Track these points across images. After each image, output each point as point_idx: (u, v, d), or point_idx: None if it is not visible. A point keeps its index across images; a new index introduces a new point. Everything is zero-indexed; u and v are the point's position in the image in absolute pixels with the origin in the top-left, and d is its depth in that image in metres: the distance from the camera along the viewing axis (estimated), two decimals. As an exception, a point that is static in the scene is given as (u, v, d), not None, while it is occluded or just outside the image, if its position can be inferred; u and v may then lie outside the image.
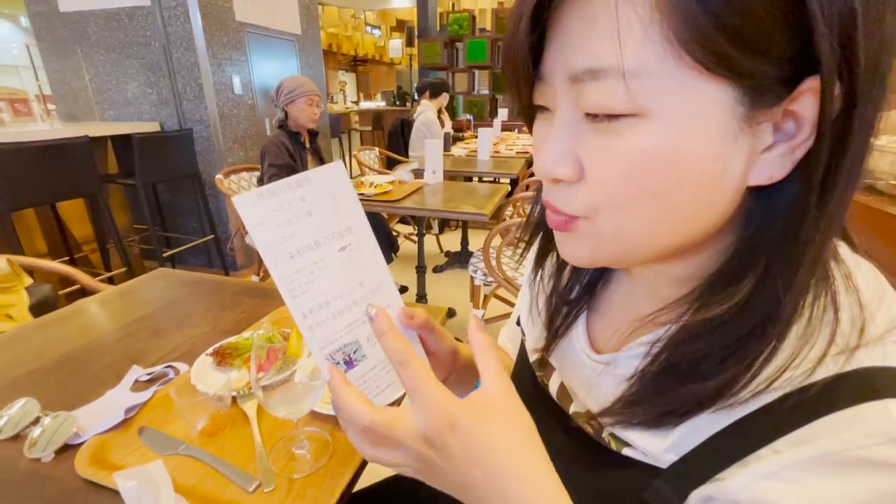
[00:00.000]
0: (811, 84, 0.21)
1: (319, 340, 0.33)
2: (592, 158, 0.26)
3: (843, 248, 0.28)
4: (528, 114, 0.30)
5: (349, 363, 0.34)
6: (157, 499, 0.43)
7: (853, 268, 0.26)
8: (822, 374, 0.24)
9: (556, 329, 0.40)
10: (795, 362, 0.24)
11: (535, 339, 0.44)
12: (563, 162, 0.26)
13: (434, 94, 3.43)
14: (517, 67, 0.26)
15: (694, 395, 0.27)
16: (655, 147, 0.23)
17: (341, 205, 0.33)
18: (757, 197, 0.25)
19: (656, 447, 0.29)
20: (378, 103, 8.26)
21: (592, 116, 0.25)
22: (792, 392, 0.24)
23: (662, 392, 0.28)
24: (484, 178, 3.18)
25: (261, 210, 0.30)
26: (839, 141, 0.22)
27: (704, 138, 0.23)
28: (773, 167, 0.24)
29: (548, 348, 0.41)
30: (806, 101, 0.22)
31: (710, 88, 0.22)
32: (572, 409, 0.37)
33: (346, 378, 0.32)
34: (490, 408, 0.28)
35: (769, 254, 0.25)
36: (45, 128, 2.37)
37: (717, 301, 0.26)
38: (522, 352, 0.47)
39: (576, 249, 0.30)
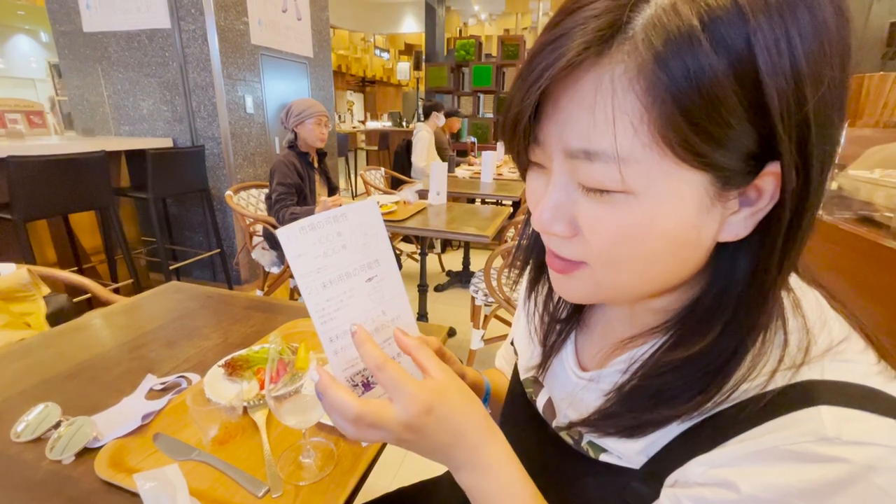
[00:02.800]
0: (773, 169, 0.25)
1: (342, 363, 0.36)
2: (586, 221, 0.29)
3: (792, 278, 0.32)
4: (523, 166, 0.34)
5: (367, 385, 0.38)
6: (173, 500, 0.46)
7: (801, 296, 0.30)
8: (772, 387, 0.28)
9: (550, 346, 0.44)
10: (752, 375, 0.28)
11: (528, 357, 0.47)
12: (559, 221, 0.30)
13: (426, 116, 3.53)
14: (518, 138, 0.29)
15: (663, 416, 0.31)
16: (642, 219, 0.27)
17: (372, 239, 0.36)
18: (725, 250, 0.29)
19: (630, 450, 0.33)
20: (384, 123, 8.43)
21: (587, 188, 0.28)
22: (746, 401, 0.28)
23: (635, 409, 0.32)
24: (487, 200, 3.24)
25: (301, 242, 0.33)
26: (795, 206, 0.26)
27: (683, 212, 0.27)
28: (738, 227, 0.28)
29: (542, 365, 0.45)
30: (768, 180, 0.26)
31: (688, 175, 0.26)
32: (555, 423, 0.41)
33: (332, 377, 0.35)
34: (446, 389, 0.35)
35: (735, 298, 0.29)
36: (61, 141, 2.44)
37: (687, 342, 0.30)
38: (515, 371, 0.50)
39: (573, 290, 0.34)
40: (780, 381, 0.28)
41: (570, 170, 0.28)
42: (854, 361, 0.28)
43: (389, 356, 0.36)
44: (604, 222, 0.28)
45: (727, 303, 0.29)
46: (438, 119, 3.55)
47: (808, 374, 0.27)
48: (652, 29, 0.23)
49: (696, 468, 0.29)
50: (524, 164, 0.33)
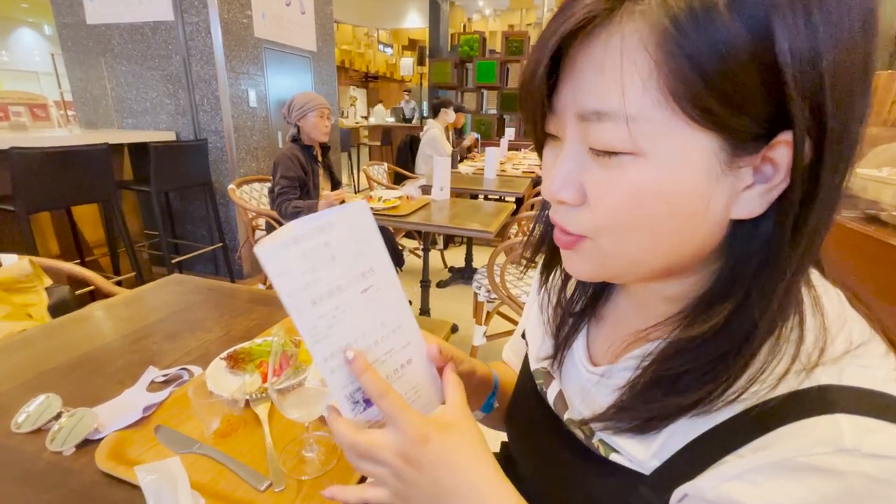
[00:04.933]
0: (786, 137, 0.25)
1: (340, 381, 0.33)
2: (594, 187, 0.29)
3: (814, 275, 0.31)
4: (539, 140, 0.34)
5: (368, 402, 0.34)
6: (174, 493, 0.46)
7: (821, 293, 0.29)
8: (784, 388, 0.26)
9: (562, 339, 0.43)
10: (763, 375, 0.27)
11: (539, 349, 0.47)
12: (568, 187, 0.30)
13: (435, 113, 3.51)
14: (534, 105, 0.29)
15: (675, 405, 0.29)
16: (649, 182, 0.27)
17: (364, 247, 0.32)
18: (740, 228, 0.28)
19: (641, 454, 0.32)
20: (387, 119, 8.42)
21: (596, 151, 0.28)
22: (757, 404, 0.27)
23: (648, 401, 0.31)
24: (490, 196, 3.23)
25: (284, 258, 0.29)
26: (810, 186, 0.25)
27: (691, 177, 0.26)
28: (752, 204, 0.27)
29: (554, 357, 0.44)
30: (781, 151, 0.25)
31: (698, 136, 0.25)
32: (566, 416, 0.40)
33: (337, 411, 0.35)
34: (451, 425, 0.33)
35: (749, 280, 0.28)
36: (64, 133, 2.44)
37: (699, 321, 0.29)
38: (526, 362, 0.49)
39: (580, 265, 0.33)
40: (794, 382, 0.26)
41: (581, 135, 0.28)
42: (874, 366, 0.26)
43: (393, 367, 0.35)
44: (610, 187, 0.28)
45: (739, 284, 0.28)
46: (448, 115, 3.54)
47: (825, 377, 0.26)
48: None
49: (707, 482, 0.27)
50: (540, 138, 0.33)
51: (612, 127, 0.26)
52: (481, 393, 0.50)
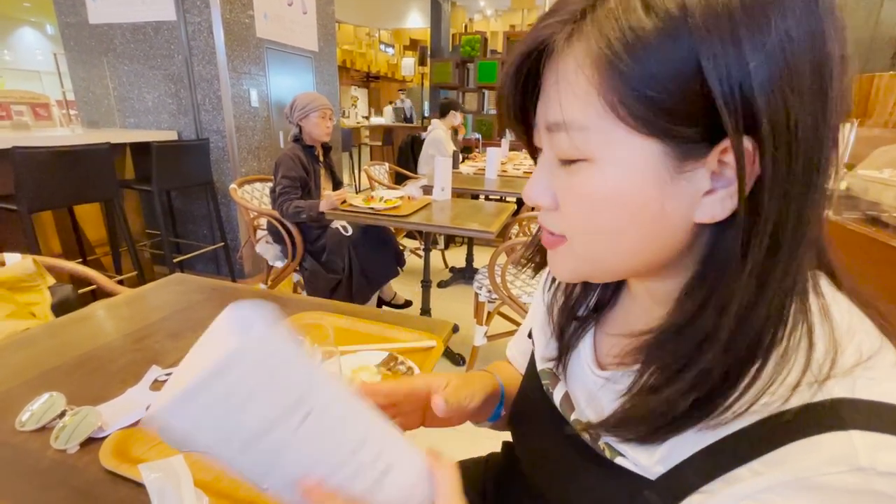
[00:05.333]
0: (728, 143, 0.25)
1: None
2: (561, 192, 0.32)
3: (823, 282, 0.30)
4: (533, 153, 0.36)
5: None
6: (178, 491, 0.46)
7: (831, 301, 0.29)
8: (797, 400, 0.26)
9: (566, 342, 0.44)
10: (773, 387, 0.26)
11: (545, 350, 0.47)
12: (543, 194, 0.33)
13: (443, 114, 3.51)
14: (505, 118, 0.34)
15: (673, 405, 0.29)
16: (602, 187, 0.29)
17: (284, 374, 0.26)
18: (708, 233, 0.29)
19: (646, 460, 0.32)
20: (388, 119, 8.42)
21: (561, 160, 0.31)
22: (769, 417, 0.27)
23: (651, 408, 0.31)
24: (491, 197, 3.23)
25: (186, 416, 0.24)
26: (759, 196, 0.26)
27: (640, 181, 0.28)
28: (714, 209, 0.28)
29: (559, 359, 0.44)
30: (731, 156, 0.26)
31: (641, 143, 0.27)
32: (573, 417, 0.40)
33: None
34: None
35: (710, 284, 0.28)
36: (66, 133, 2.45)
37: (675, 314, 0.30)
38: (532, 362, 0.50)
39: (559, 266, 0.36)
40: (805, 395, 0.26)
41: (550, 144, 0.31)
42: (886, 378, 0.26)
43: (368, 483, 0.30)
44: (571, 192, 0.31)
45: (702, 284, 0.29)
46: (455, 118, 3.53)
47: (837, 390, 0.26)
48: (604, 14, 0.26)
49: (720, 501, 0.27)
50: (530, 147, 0.36)
51: (565, 136, 0.29)
52: (489, 406, 0.51)
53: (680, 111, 0.25)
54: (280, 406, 0.26)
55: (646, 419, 0.31)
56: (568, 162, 0.30)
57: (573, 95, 0.28)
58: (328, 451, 0.29)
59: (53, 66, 6.33)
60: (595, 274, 0.35)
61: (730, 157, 0.26)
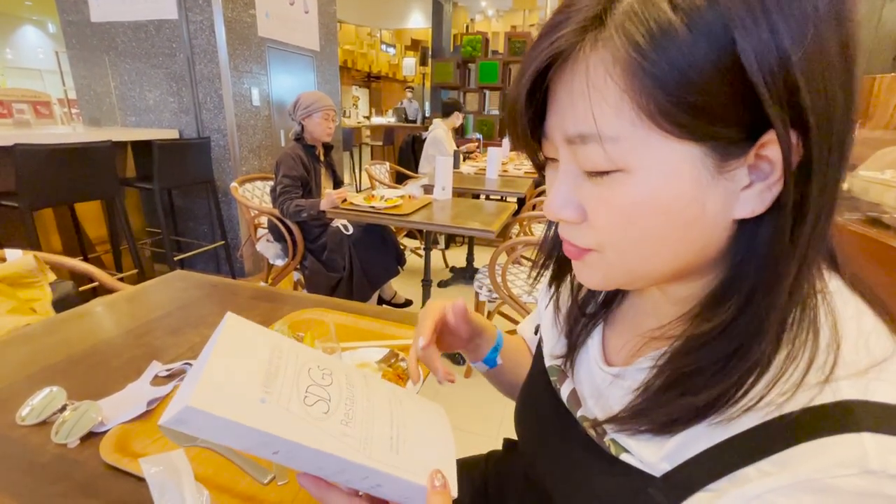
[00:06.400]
0: (771, 136, 0.25)
1: None
2: (591, 205, 0.30)
3: (834, 281, 0.30)
4: (538, 165, 0.35)
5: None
6: (179, 485, 0.46)
7: (842, 303, 0.29)
8: (804, 398, 0.26)
9: (574, 339, 0.44)
10: (781, 382, 0.26)
11: (554, 347, 0.47)
12: (567, 207, 0.32)
13: (446, 114, 3.50)
14: (521, 133, 0.32)
15: (688, 406, 0.29)
16: (640, 196, 0.28)
17: (235, 429, 0.28)
18: (744, 228, 0.29)
19: (652, 456, 0.32)
20: (389, 119, 8.41)
21: (588, 171, 0.29)
22: (779, 416, 0.26)
23: (663, 404, 0.31)
24: (491, 197, 3.23)
25: (184, 429, 0.28)
26: (803, 181, 0.25)
27: (680, 187, 0.27)
28: (753, 203, 0.27)
29: (567, 357, 0.44)
30: (773, 149, 0.25)
31: (679, 148, 0.26)
32: (579, 413, 0.40)
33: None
34: None
35: (753, 279, 0.28)
36: (67, 131, 2.45)
37: (707, 319, 0.29)
38: (539, 358, 0.50)
39: (588, 276, 0.34)
40: (814, 392, 0.26)
41: (572, 156, 0.30)
42: None
43: (364, 488, 0.34)
44: (606, 204, 0.29)
45: (744, 282, 0.28)
46: (457, 119, 3.53)
47: (850, 391, 0.25)
48: (624, 15, 0.25)
49: (727, 501, 0.27)
50: (539, 162, 0.35)
51: (596, 148, 0.28)
52: (487, 344, 0.54)
53: (719, 111, 0.24)
54: (247, 444, 0.29)
55: (657, 414, 0.31)
56: (598, 174, 0.29)
57: (605, 105, 0.26)
58: (313, 469, 0.32)
59: (55, 65, 6.34)
60: (630, 282, 0.34)
61: (769, 150, 0.25)
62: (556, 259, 0.44)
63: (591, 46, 0.26)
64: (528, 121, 0.31)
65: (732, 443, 0.28)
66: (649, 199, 0.28)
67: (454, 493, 0.34)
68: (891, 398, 0.25)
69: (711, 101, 0.24)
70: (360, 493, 0.36)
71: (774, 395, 0.26)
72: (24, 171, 1.77)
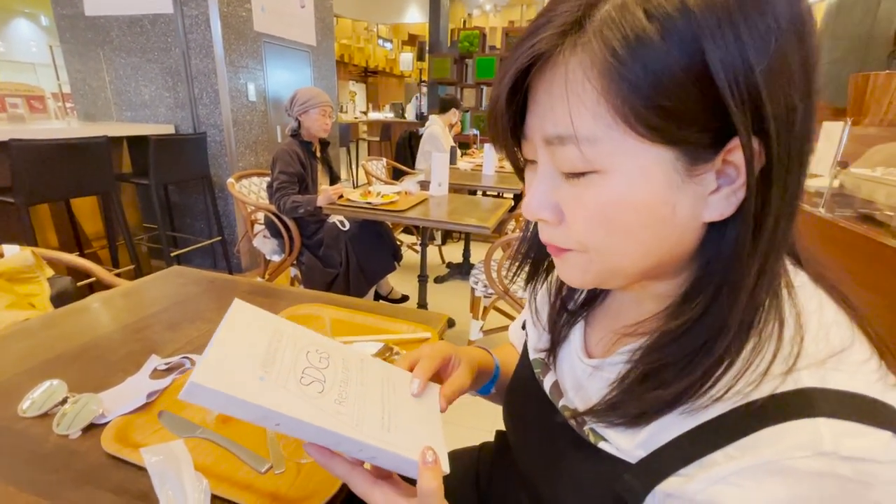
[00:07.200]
0: (737, 143, 0.26)
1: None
2: (569, 206, 0.32)
3: (800, 277, 0.32)
4: (518, 167, 0.37)
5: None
6: (178, 473, 0.47)
7: (801, 294, 0.30)
8: (768, 388, 0.28)
9: (557, 334, 0.46)
10: (747, 373, 0.28)
11: (537, 341, 0.49)
12: (545, 208, 0.33)
13: (443, 110, 3.50)
14: (502, 133, 0.33)
15: (658, 399, 0.31)
16: (614, 197, 0.29)
17: (237, 404, 0.32)
18: (713, 231, 0.30)
19: (628, 444, 0.34)
20: (386, 114, 8.37)
21: (566, 172, 0.31)
22: (743, 405, 0.28)
23: (636, 397, 0.33)
24: (488, 193, 3.24)
25: (197, 402, 0.32)
26: (765, 188, 0.27)
27: (653, 189, 0.28)
28: (721, 206, 0.29)
29: (550, 350, 0.46)
30: (738, 154, 0.27)
31: (652, 152, 0.27)
32: (561, 404, 0.42)
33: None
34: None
35: (719, 278, 0.29)
36: (62, 126, 2.44)
37: (677, 317, 0.31)
38: (525, 352, 0.52)
39: (569, 273, 0.36)
40: (777, 382, 0.27)
41: (550, 157, 0.31)
42: (856, 371, 0.27)
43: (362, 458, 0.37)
44: (582, 204, 0.31)
45: (711, 280, 0.30)
46: (455, 115, 3.52)
47: (809, 380, 0.27)
48: (602, 22, 0.26)
49: (696, 484, 0.28)
50: (519, 164, 0.36)
51: (573, 150, 0.29)
52: (481, 381, 0.54)
53: (690, 116, 0.26)
54: (251, 416, 0.33)
55: (634, 405, 0.33)
56: (575, 175, 0.30)
57: (583, 108, 0.27)
58: (314, 440, 0.35)
59: (49, 59, 6.28)
60: (608, 280, 0.35)
61: (735, 156, 0.27)
62: (532, 260, 0.46)
63: (571, 50, 0.27)
64: (509, 121, 0.32)
65: (702, 430, 0.30)
66: (623, 199, 0.29)
67: (446, 470, 0.36)
68: (846, 386, 0.27)
69: (682, 107, 0.26)
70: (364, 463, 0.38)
71: (742, 385, 0.28)
72: (20, 166, 1.77)
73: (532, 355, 0.49)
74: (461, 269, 2.98)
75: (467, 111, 5.61)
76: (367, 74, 11.08)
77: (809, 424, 0.26)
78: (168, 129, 2.63)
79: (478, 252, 3.05)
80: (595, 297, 0.45)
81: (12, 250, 1.05)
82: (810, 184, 1.90)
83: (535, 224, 0.42)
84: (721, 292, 0.29)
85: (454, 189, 2.38)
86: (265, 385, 0.34)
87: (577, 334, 0.44)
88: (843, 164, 1.92)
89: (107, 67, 2.69)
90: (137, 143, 2.53)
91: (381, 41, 10.83)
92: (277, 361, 0.36)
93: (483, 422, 1.21)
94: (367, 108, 10.43)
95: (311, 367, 0.38)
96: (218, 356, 0.34)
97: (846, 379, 0.27)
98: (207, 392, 0.31)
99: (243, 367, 0.34)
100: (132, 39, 2.59)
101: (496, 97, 0.31)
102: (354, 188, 3.18)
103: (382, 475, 0.38)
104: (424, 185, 2.30)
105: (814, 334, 0.29)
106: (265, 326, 0.39)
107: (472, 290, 1.83)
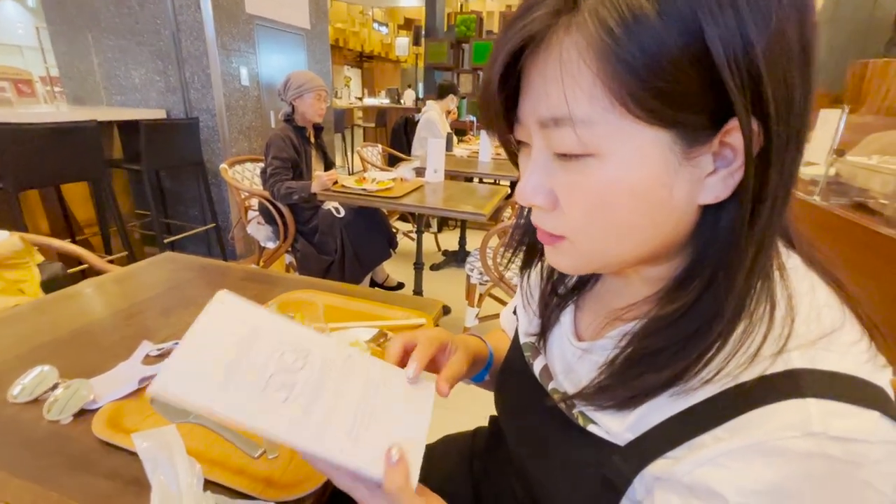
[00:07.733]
0: (735, 124, 0.26)
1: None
2: (563, 191, 0.31)
3: (793, 259, 0.32)
4: (511, 151, 0.36)
5: None
6: (171, 459, 0.47)
7: (798, 279, 0.30)
8: (758, 369, 0.27)
9: (547, 318, 0.45)
10: (737, 355, 0.28)
11: (528, 326, 0.48)
12: (539, 194, 0.32)
13: (440, 96, 3.46)
14: (495, 117, 0.32)
15: (649, 383, 0.31)
16: (610, 180, 0.29)
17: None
18: (708, 213, 0.30)
19: (617, 427, 0.34)
20: (382, 100, 8.28)
21: (561, 155, 0.30)
22: (732, 386, 0.28)
23: (626, 380, 0.32)
24: (484, 179, 3.22)
25: (168, 400, 0.34)
26: (763, 167, 0.27)
27: (650, 172, 0.28)
28: (717, 189, 0.28)
29: (541, 335, 0.46)
30: (735, 136, 0.26)
31: (649, 134, 0.27)
32: (550, 387, 0.42)
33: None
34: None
35: (715, 262, 0.29)
36: (51, 110, 2.39)
37: (672, 301, 0.31)
38: (516, 337, 0.52)
39: (560, 261, 0.35)
40: (767, 364, 0.27)
41: (545, 141, 0.30)
42: (846, 352, 0.27)
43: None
44: (577, 189, 0.30)
45: (707, 265, 0.29)
46: (452, 102, 3.48)
47: (798, 361, 0.27)
48: (598, 1, 0.25)
49: (684, 466, 0.28)
50: (512, 149, 0.35)
51: (568, 132, 0.28)
52: (475, 369, 0.54)
53: (687, 98, 0.25)
54: (216, 419, 0.34)
55: (620, 389, 0.33)
56: (569, 157, 0.29)
57: (578, 90, 0.27)
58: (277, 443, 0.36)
59: (35, 41, 6.13)
60: (600, 266, 0.35)
61: (732, 137, 0.26)
62: (526, 246, 0.45)
63: (565, 30, 0.27)
64: (502, 105, 0.31)
65: (691, 412, 0.30)
66: (619, 182, 0.28)
67: (414, 481, 0.36)
68: (836, 366, 0.27)
69: (680, 88, 0.25)
70: None
71: (732, 367, 0.28)
72: (8, 151, 1.73)
73: (523, 339, 0.49)
74: (457, 257, 2.98)
75: (464, 97, 5.55)
76: (362, 59, 10.92)
77: (798, 405, 0.26)
78: (159, 114, 2.58)
79: (474, 240, 3.04)
80: (586, 280, 0.45)
81: (1, 236, 1.03)
82: (806, 171, 1.90)
83: (530, 210, 0.41)
84: (717, 276, 0.29)
85: (450, 176, 2.36)
86: (225, 393, 0.35)
87: (567, 318, 0.44)
88: (840, 153, 1.92)
89: (95, 50, 2.63)
90: (129, 127, 2.48)
91: (376, 25, 10.64)
92: (244, 366, 0.36)
93: (478, 406, 1.22)
94: (363, 93, 10.30)
95: (281, 371, 0.38)
96: (183, 359, 0.35)
97: (836, 360, 0.27)
98: (169, 397, 0.33)
99: (206, 372, 0.35)
100: (121, 21, 2.52)
101: (488, 80, 0.30)
102: (350, 174, 3.14)
103: None
104: (420, 172, 2.29)
105: (805, 315, 0.29)
106: (244, 322, 0.39)
107: (468, 277, 1.83)
